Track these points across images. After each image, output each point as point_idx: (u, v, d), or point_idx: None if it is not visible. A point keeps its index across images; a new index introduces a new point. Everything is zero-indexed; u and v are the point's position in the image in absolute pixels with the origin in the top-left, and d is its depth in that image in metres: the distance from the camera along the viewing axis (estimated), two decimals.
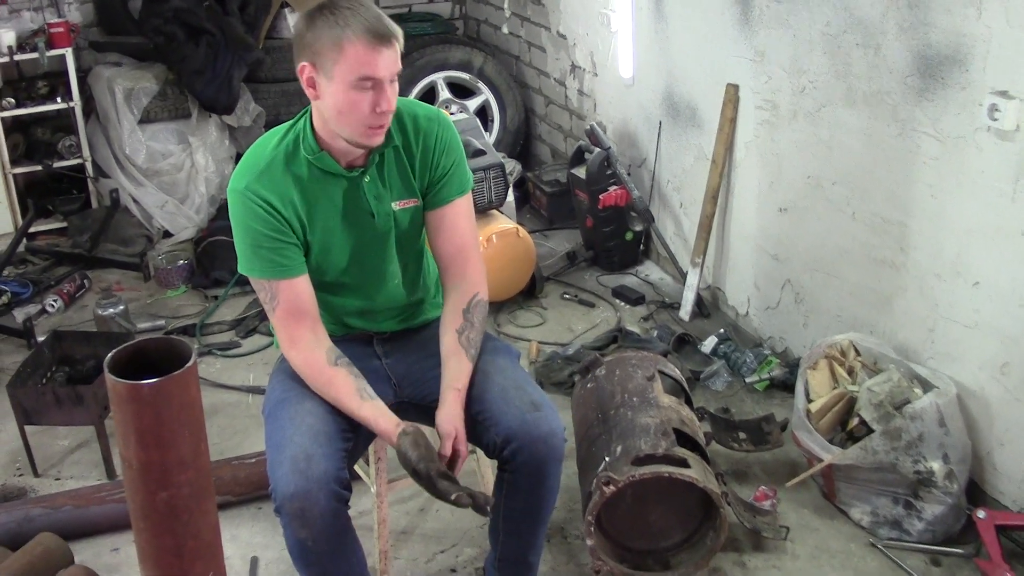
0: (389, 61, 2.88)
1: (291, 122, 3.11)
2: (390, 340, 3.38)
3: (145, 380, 2.48)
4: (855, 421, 3.82)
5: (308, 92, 2.97)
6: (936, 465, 3.64)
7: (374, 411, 3.01)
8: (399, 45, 2.91)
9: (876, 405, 3.76)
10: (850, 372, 4.01)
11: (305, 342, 3.07)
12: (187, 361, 2.56)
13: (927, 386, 3.83)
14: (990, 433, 3.79)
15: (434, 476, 2.87)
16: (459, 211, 3.24)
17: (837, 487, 3.90)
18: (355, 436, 3.05)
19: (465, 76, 7.35)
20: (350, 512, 2.97)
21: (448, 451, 2.98)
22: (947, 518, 3.71)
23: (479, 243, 3.37)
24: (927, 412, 3.65)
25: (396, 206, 3.17)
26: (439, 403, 3.06)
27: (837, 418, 3.91)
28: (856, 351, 4.08)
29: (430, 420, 3.11)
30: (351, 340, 3.32)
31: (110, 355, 2.57)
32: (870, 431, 3.74)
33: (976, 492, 3.85)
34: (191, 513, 2.66)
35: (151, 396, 2.49)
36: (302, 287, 3.08)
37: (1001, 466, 3.78)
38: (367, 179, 3.10)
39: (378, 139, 2.99)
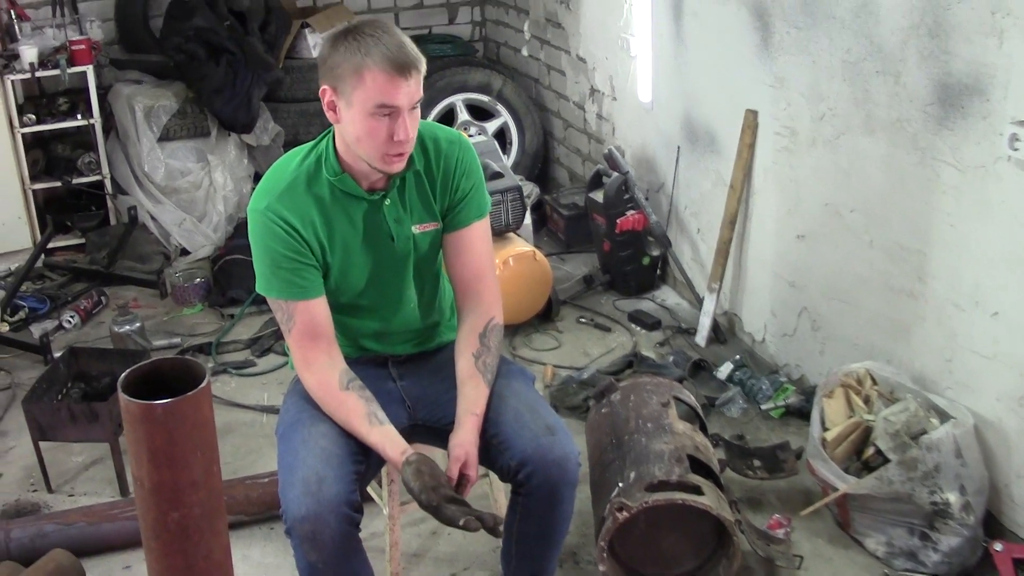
0: (408, 90, 2.88)
1: (313, 143, 3.12)
2: (405, 363, 3.38)
3: (158, 400, 2.48)
4: (871, 450, 3.81)
5: (329, 115, 2.98)
6: (952, 496, 3.62)
7: (382, 436, 3.00)
8: (421, 73, 2.92)
9: (892, 435, 3.74)
10: (866, 401, 4.00)
11: (319, 364, 3.07)
12: (201, 382, 2.56)
13: (944, 416, 3.80)
14: (1008, 465, 3.76)
15: (439, 504, 2.86)
16: (476, 234, 3.24)
17: (852, 517, 3.88)
18: (367, 459, 3.04)
19: (484, 98, 7.36)
20: (363, 534, 2.97)
21: (454, 474, 2.98)
22: (963, 550, 3.68)
23: (496, 267, 3.36)
24: (944, 443, 3.63)
25: (416, 229, 3.17)
26: (455, 427, 3.06)
27: (853, 447, 3.89)
28: (873, 380, 4.06)
29: (444, 443, 3.11)
30: (366, 362, 3.32)
31: (124, 374, 2.57)
32: (886, 461, 3.72)
33: (993, 524, 3.82)
34: (202, 533, 2.66)
35: (164, 416, 2.49)
36: (319, 309, 3.08)
37: (1019, 498, 3.75)
38: (388, 202, 3.10)
39: (397, 166, 2.99)
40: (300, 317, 3.05)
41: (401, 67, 2.84)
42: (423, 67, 2.93)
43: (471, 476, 3.00)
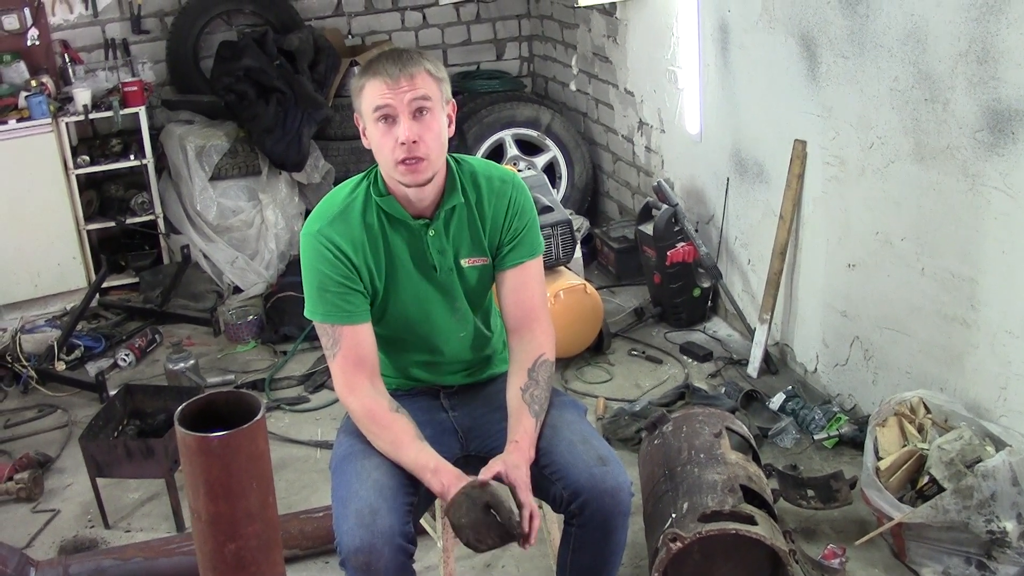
0: (402, 92, 2.95)
1: (365, 172, 3.19)
2: (457, 394, 3.40)
3: (214, 433, 2.51)
4: (925, 479, 3.78)
5: (363, 141, 3.09)
6: (1010, 525, 3.58)
7: (431, 456, 3.00)
8: (419, 78, 2.98)
9: (947, 463, 3.71)
10: (920, 430, 3.97)
11: (364, 389, 3.09)
12: (256, 414, 2.58)
13: (1000, 444, 3.78)
14: None
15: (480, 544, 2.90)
16: (529, 273, 3.27)
17: (907, 546, 3.85)
18: (418, 490, 3.05)
19: (533, 133, 7.38)
20: (417, 567, 2.98)
21: (488, 476, 2.97)
22: None
23: (548, 305, 3.37)
24: (1000, 471, 3.60)
25: (465, 263, 3.20)
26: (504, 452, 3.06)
27: (907, 476, 3.87)
28: (926, 408, 4.04)
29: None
30: (418, 393, 3.35)
31: (180, 408, 2.60)
32: (941, 489, 3.69)
33: None
34: (258, 565, 2.67)
35: (220, 449, 2.51)
36: (364, 335, 3.11)
37: None
38: (431, 232, 3.13)
39: (415, 176, 3.01)
40: (345, 342, 3.09)
41: (391, 71, 2.95)
42: (425, 73, 3.00)
43: (525, 501, 2.97)
